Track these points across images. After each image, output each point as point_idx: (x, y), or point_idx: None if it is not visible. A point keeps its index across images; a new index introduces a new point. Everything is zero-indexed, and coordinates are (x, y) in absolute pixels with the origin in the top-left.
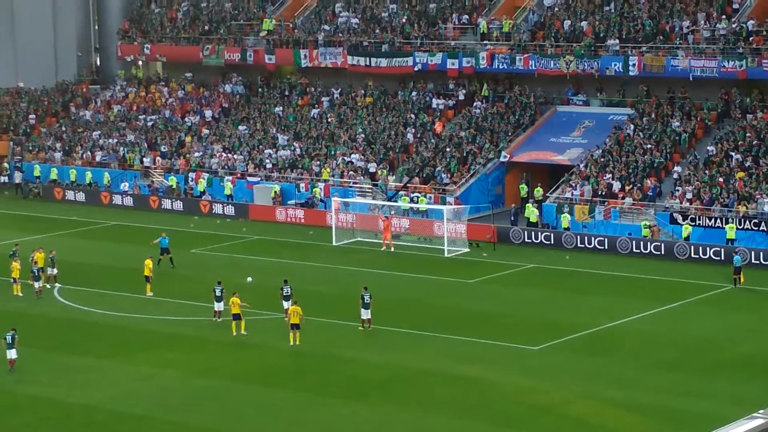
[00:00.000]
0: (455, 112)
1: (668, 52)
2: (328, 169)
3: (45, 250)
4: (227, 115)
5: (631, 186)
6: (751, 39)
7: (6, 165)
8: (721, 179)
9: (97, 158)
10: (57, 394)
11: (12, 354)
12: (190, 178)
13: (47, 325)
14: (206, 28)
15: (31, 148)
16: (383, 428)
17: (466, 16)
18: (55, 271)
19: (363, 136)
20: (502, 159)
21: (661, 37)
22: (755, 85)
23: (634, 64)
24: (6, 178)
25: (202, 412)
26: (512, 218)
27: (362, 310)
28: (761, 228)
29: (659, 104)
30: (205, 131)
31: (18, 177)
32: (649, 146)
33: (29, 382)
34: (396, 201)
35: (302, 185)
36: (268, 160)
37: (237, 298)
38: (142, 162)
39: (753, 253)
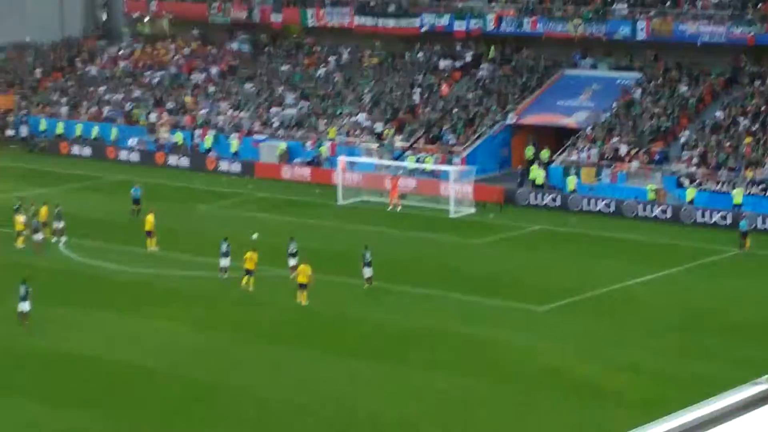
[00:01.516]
0: (462, 74)
1: (676, 17)
2: (335, 128)
3: (50, 204)
4: (234, 73)
5: (637, 150)
6: (759, 5)
7: (12, 119)
8: (728, 144)
9: (104, 114)
10: (63, 347)
11: (25, 307)
12: (196, 135)
13: (53, 278)
14: None
15: (37, 102)
16: (388, 386)
17: None
18: (62, 224)
19: (370, 96)
20: (509, 121)
21: (670, 2)
22: (764, 50)
23: (642, 29)
24: (12, 132)
25: (208, 367)
26: (519, 180)
27: (364, 268)
28: None
29: (667, 69)
30: (212, 88)
31: (24, 131)
32: (656, 111)
33: (36, 335)
34: (402, 161)
35: (308, 144)
36: (274, 118)
37: (255, 254)
38: (148, 118)
39: (759, 218)
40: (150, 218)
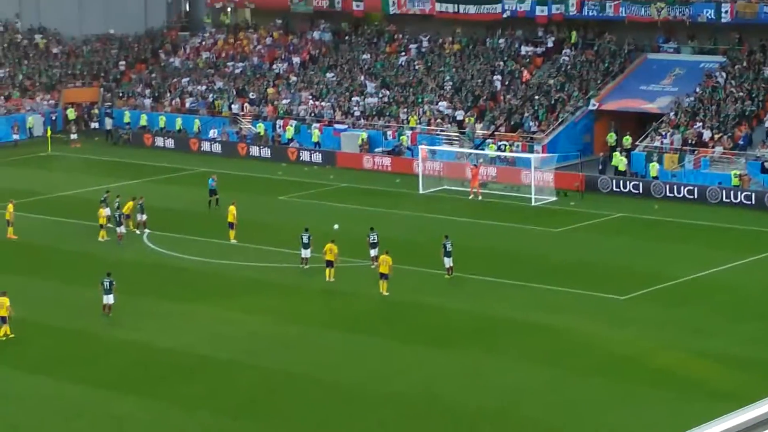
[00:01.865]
0: (544, 60)
1: None
2: (416, 117)
3: (134, 199)
4: (315, 63)
5: (721, 134)
6: None
7: (97, 111)
8: None
9: (186, 105)
10: (145, 338)
11: (109, 299)
12: (278, 125)
13: (136, 270)
14: None
15: (121, 94)
16: (469, 375)
17: None
18: (145, 216)
19: (451, 83)
20: (590, 107)
21: None
22: None
23: (726, 11)
24: (97, 124)
25: (289, 357)
26: (600, 167)
27: (444, 258)
28: None
29: (751, 52)
30: (293, 78)
31: (108, 123)
32: (740, 94)
33: (119, 326)
34: (483, 149)
35: (389, 133)
36: (355, 108)
37: (334, 246)
38: (230, 109)
39: None
40: (232, 209)
